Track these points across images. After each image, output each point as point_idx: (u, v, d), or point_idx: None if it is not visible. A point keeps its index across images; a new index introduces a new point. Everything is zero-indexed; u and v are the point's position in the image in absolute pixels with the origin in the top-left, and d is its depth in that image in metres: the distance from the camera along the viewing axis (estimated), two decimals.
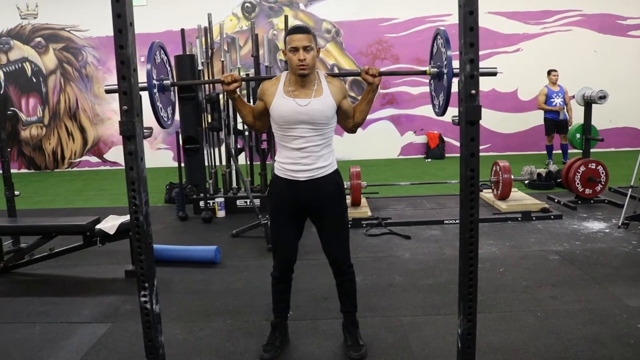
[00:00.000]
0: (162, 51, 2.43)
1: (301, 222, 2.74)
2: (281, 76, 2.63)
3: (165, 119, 2.44)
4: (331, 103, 2.57)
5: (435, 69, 2.35)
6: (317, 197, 2.63)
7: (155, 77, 2.29)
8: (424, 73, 2.44)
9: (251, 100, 5.89)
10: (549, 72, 8.47)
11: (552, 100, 8.38)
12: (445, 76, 2.24)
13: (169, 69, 2.51)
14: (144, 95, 2.13)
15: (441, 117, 2.46)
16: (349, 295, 2.82)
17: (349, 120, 2.69)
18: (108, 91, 2.21)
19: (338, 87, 2.62)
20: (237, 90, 2.55)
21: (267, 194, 2.85)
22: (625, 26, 10.08)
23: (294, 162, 2.58)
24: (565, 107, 8.34)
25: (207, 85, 6.13)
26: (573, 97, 6.44)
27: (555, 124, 8.44)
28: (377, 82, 2.52)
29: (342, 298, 2.83)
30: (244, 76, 2.67)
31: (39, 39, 10.48)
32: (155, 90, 2.29)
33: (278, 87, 2.57)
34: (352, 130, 2.74)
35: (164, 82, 2.40)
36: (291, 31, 2.53)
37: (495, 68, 2.24)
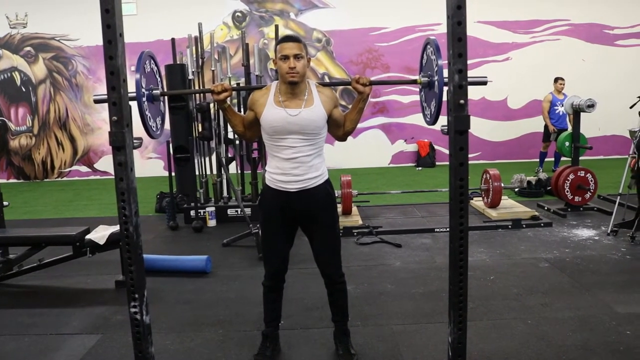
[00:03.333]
0: (151, 61, 2.42)
1: (292, 232, 2.73)
2: (271, 86, 2.63)
3: (154, 129, 2.43)
4: (322, 113, 2.57)
5: (426, 78, 2.36)
6: (308, 207, 2.62)
7: (144, 87, 2.29)
8: (414, 82, 2.45)
9: (241, 110, 5.89)
10: (556, 80, 8.51)
11: (555, 107, 8.43)
12: (436, 85, 2.25)
13: (158, 78, 2.51)
14: (134, 105, 2.13)
15: (432, 126, 2.47)
16: (341, 305, 2.81)
17: (339, 129, 2.69)
18: (97, 101, 2.21)
19: (329, 97, 2.62)
20: (228, 99, 2.55)
21: (257, 203, 2.85)
22: (612, 35, 10.21)
23: (284, 172, 2.57)
24: (568, 116, 8.34)
25: (197, 95, 6.12)
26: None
27: (556, 131, 8.43)
28: (367, 92, 2.53)
29: (334, 308, 2.83)
30: (234, 85, 2.67)
31: (28, 48, 10.44)
32: (145, 100, 2.28)
33: (268, 97, 2.57)
34: (343, 138, 2.75)
35: (154, 91, 2.39)
36: (282, 40, 2.54)
37: (486, 77, 2.26)
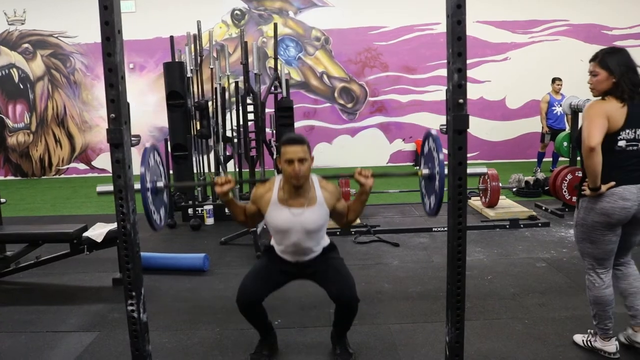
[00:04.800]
0: (155, 153, 2.41)
1: (284, 281, 2.79)
2: (275, 181, 2.65)
3: (158, 222, 2.41)
4: (324, 211, 2.62)
5: (427, 171, 2.35)
6: (311, 267, 2.72)
7: (149, 180, 2.27)
8: (415, 175, 2.44)
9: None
10: (553, 81, 8.51)
11: (553, 108, 8.43)
12: (437, 178, 2.25)
13: (162, 170, 2.49)
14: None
15: (434, 216, 2.43)
16: (348, 323, 2.78)
17: (342, 219, 2.74)
18: (101, 193, 2.21)
19: (332, 193, 2.65)
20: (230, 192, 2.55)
21: (263, 250, 2.90)
22: (611, 36, 10.22)
23: (287, 253, 2.69)
24: (565, 116, 8.34)
25: (196, 93, 6.12)
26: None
27: (554, 131, 8.43)
28: (369, 184, 2.52)
29: (340, 323, 2.78)
30: (237, 181, 2.66)
31: (26, 45, 10.41)
32: (149, 193, 2.27)
33: (272, 195, 2.60)
34: (345, 226, 2.82)
35: (157, 184, 2.37)
36: (286, 142, 2.51)
37: (486, 169, 2.31)
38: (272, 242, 2.78)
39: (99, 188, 2.20)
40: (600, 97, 2.62)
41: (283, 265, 2.72)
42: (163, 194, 2.47)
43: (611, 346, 2.73)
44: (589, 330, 2.87)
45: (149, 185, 2.24)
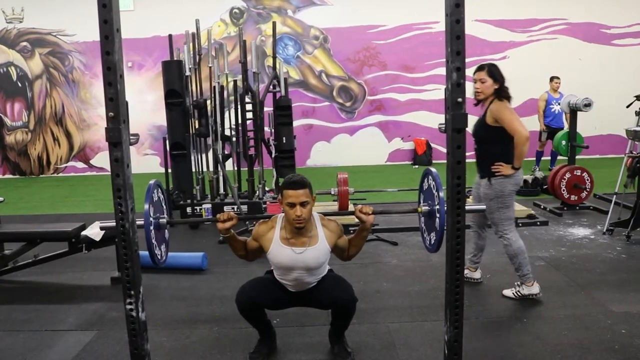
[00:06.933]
0: (158, 190, 2.43)
1: (281, 304, 2.80)
2: (277, 220, 2.66)
3: (159, 257, 2.42)
4: (326, 249, 2.64)
5: (427, 207, 2.37)
6: (308, 295, 2.75)
7: (152, 216, 2.29)
8: (414, 211, 2.46)
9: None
10: (551, 79, 8.52)
11: (551, 106, 8.43)
12: (437, 216, 2.27)
13: (164, 207, 2.50)
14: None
15: (435, 252, 2.48)
16: (345, 323, 2.79)
17: (343, 254, 2.76)
18: (104, 228, 2.26)
19: (333, 231, 2.67)
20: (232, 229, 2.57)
21: (266, 272, 2.91)
22: (609, 35, 10.22)
23: (288, 286, 2.73)
24: (564, 115, 8.33)
25: (194, 91, 6.11)
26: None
27: (552, 130, 8.44)
28: (370, 221, 2.55)
29: (338, 322, 2.79)
30: (238, 213, 2.68)
31: (24, 44, 10.39)
32: (152, 229, 2.28)
33: (274, 234, 2.62)
34: (347, 259, 2.82)
35: (160, 220, 2.40)
36: (288, 185, 2.52)
37: (484, 207, 2.44)
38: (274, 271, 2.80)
39: (102, 224, 2.29)
40: (492, 100, 3.46)
41: (284, 289, 2.75)
42: (165, 230, 2.49)
43: (535, 287, 3.46)
44: (515, 283, 3.52)
45: (152, 220, 2.27)
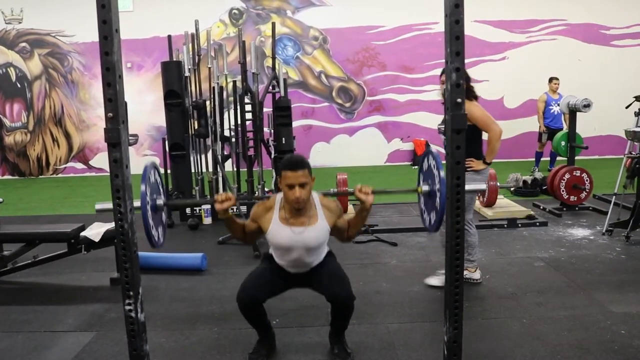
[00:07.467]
0: (155, 171, 2.39)
1: (283, 289, 2.80)
2: (276, 199, 2.65)
3: (157, 238, 2.39)
4: (325, 229, 2.63)
5: (427, 188, 2.36)
6: (308, 277, 2.74)
7: (149, 197, 2.26)
8: (415, 192, 2.45)
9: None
10: (550, 80, 8.52)
11: (550, 107, 8.43)
12: (438, 195, 2.26)
13: (161, 189, 2.48)
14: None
15: (435, 232, 2.49)
16: (345, 321, 2.78)
17: (343, 234, 2.76)
18: (100, 210, 2.22)
19: (332, 210, 2.66)
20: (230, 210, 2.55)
21: (263, 257, 2.89)
22: (609, 36, 10.23)
23: (288, 267, 2.72)
24: (563, 115, 8.33)
25: (194, 92, 6.11)
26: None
27: (551, 131, 8.44)
28: (370, 201, 2.51)
29: (337, 321, 2.78)
30: (237, 195, 2.66)
31: (23, 44, 10.38)
32: (149, 210, 2.26)
33: (273, 214, 2.61)
34: (346, 241, 2.82)
35: (157, 201, 2.37)
36: (287, 166, 2.49)
37: (484, 186, 2.33)
38: (272, 253, 2.79)
39: (98, 206, 2.23)
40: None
41: (282, 273, 2.74)
42: (162, 212, 2.47)
43: (477, 273, 3.77)
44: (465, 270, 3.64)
45: (149, 202, 2.24)
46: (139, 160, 10.00)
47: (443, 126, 3.48)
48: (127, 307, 2.11)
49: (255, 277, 2.73)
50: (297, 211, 2.56)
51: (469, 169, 3.57)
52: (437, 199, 2.26)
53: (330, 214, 2.65)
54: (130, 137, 2.04)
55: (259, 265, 2.85)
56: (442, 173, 2.20)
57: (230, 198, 2.48)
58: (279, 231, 2.60)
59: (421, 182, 2.47)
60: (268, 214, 2.63)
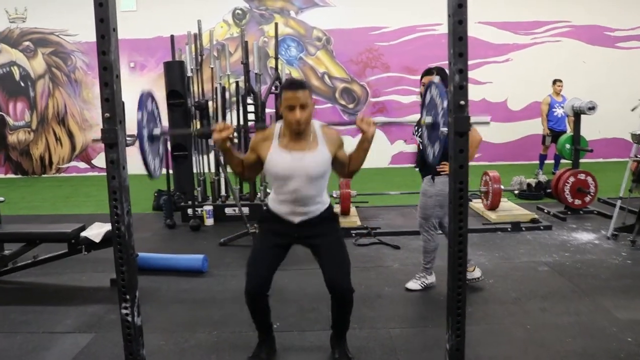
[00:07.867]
0: (152, 100, 2.33)
1: (284, 255, 2.69)
2: (275, 127, 2.58)
3: (153, 169, 2.32)
4: (326, 156, 2.54)
5: (430, 119, 2.30)
6: (310, 231, 2.62)
7: (145, 126, 2.21)
8: (418, 123, 2.39)
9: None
10: (554, 82, 8.49)
11: (554, 110, 8.39)
12: (440, 125, 2.20)
13: (158, 119, 2.43)
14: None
15: (438, 165, 2.44)
16: (344, 319, 2.73)
17: (344, 168, 2.65)
18: (96, 140, 2.17)
19: (333, 139, 2.58)
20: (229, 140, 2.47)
21: (258, 221, 2.79)
22: (613, 37, 10.17)
23: (288, 206, 2.58)
24: (567, 118, 8.29)
25: (196, 92, 6.08)
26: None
27: (555, 134, 8.39)
28: (371, 131, 2.44)
29: (337, 319, 2.73)
30: (235, 125, 2.60)
31: (27, 43, 10.39)
32: (146, 139, 2.20)
33: (273, 141, 2.54)
34: (348, 177, 2.73)
35: (154, 131, 2.30)
36: (287, 87, 2.43)
37: (488, 119, 2.24)
38: (269, 198, 2.68)
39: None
40: None
41: (280, 228, 2.62)
42: (158, 144, 2.39)
43: (432, 276, 3.80)
44: (417, 276, 3.81)
45: (145, 131, 2.17)
46: (140, 160, 9.99)
47: (417, 127, 3.80)
48: (124, 311, 2.08)
49: (255, 261, 2.61)
50: (297, 135, 2.48)
51: (442, 173, 3.57)
52: (440, 129, 2.19)
53: (331, 143, 2.55)
54: (127, 138, 2.01)
55: (254, 244, 2.73)
56: (445, 103, 2.11)
57: (228, 127, 2.40)
58: (278, 157, 2.50)
59: (424, 114, 2.38)
60: (267, 142, 2.54)
